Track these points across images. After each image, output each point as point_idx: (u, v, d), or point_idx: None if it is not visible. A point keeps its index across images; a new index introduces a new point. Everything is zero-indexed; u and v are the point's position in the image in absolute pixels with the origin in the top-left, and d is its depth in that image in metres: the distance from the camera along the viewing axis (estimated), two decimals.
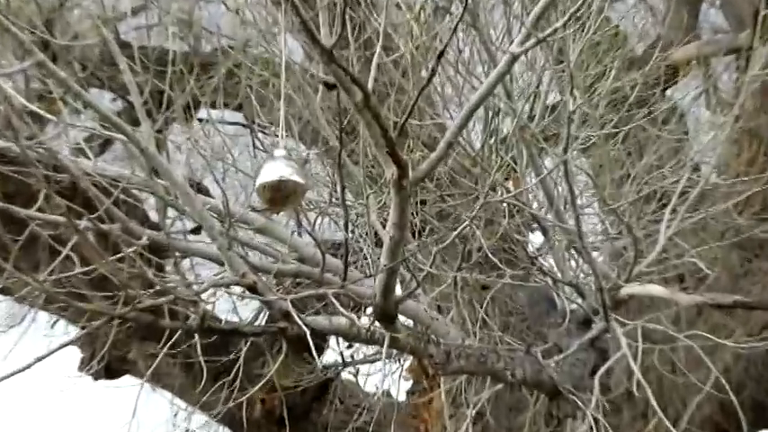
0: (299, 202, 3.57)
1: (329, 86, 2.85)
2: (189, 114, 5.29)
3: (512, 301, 5.88)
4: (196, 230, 3.35)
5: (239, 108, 7.17)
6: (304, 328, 3.11)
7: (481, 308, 5.15)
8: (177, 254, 3.91)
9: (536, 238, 5.62)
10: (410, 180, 3.04)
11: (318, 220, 5.20)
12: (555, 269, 4.80)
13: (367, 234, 4.90)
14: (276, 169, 3.18)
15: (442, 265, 5.15)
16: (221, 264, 4.82)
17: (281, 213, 5.33)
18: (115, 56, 3.49)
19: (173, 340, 4.90)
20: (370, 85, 2.97)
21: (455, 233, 3.45)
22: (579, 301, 4.46)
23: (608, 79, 4.72)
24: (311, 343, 3.14)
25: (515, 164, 4.90)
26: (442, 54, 2.61)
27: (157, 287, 3.49)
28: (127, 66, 3.45)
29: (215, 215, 4.15)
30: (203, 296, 3.62)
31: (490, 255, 4.23)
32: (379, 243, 4.29)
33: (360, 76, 2.80)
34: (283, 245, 5.25)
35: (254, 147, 7.14)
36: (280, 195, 3.18)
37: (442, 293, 5.24)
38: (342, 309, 3.43)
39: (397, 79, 4.71)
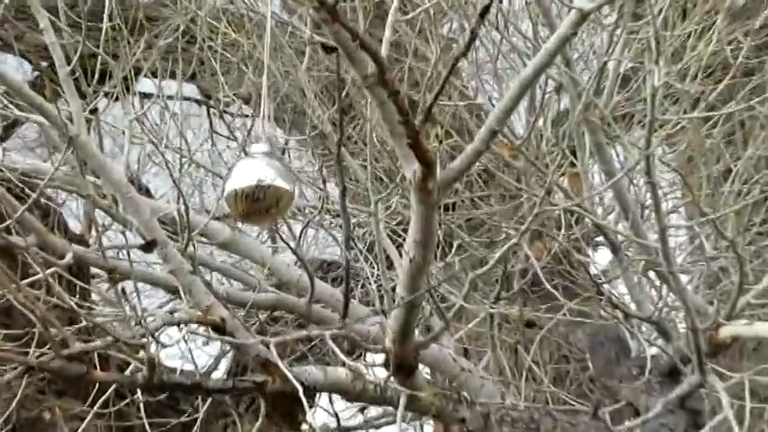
0: (282, 216, 3.56)
1: (329, 50, 2.86)
2: (129, 86, 5.30)
3: (568, 343, 5.88)
4: (147, 248, 3.35)
5: (192, 78, 7.18)
6: (296, 383, 3.11)
7: (528, 353, 5.15)
8: (117, 276, 3.90)
9: (602, 258, 5.64)
10: (438, 182, 3.05)
11: (303, 233, 5.18)
12: (628, 300, 4.80)
13: (371, 251, 4.90)
14: (253, 171, 3.17)
15: (471, 293, 5.15)
16: (171, 291, 4.84)
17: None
18: (32, 7, 3.49)
19: (105, 396, 4.89)
20: (384, 52, 2.98)
21: (498, 255, 3.45)
22: (662, 344, 4.46)
23: (702, 41, 4.71)
24: (304, 403, 3.14)
25: (575, 156, 4.91)
26: (486, 11, 2.62)
27: (85, 323, 3.48)
28: (48, 22, 3.45)
29: (165, 225, 4.16)
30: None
31: (544, 280, 4.22)
32: (391, 265, 4.30)
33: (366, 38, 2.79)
34: (256, 265, 5.26)
35: (213, 131, 7.16)
36: (257, 207, 3.16)
37: (471, 332, 5.25)
38: (342, 356, 3.42)
39: (412, 42, 4.72)
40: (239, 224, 5.03)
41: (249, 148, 3.31)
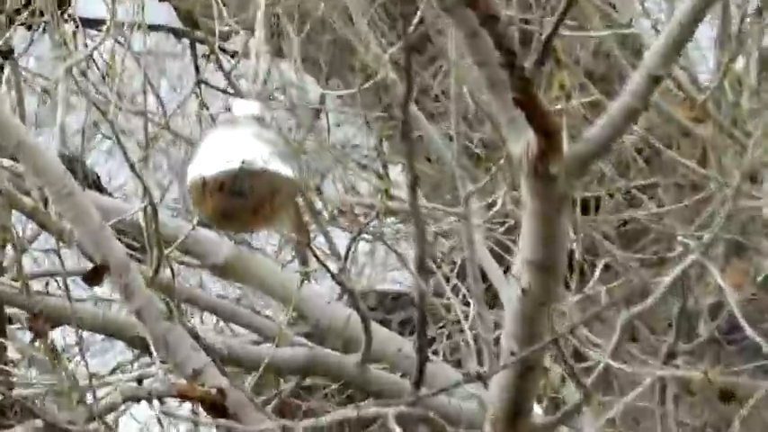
0: (283, 220, 3.59)
1: None
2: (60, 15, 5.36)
3: None
4: (93, 278, 3.39)
5: None
6: None
7: None
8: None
9: None
10: (566, 163, 3.04)
11: (353, 248, 5.20)
12: None
13: (463, 278, 4.92)
14: (233, 147, 3.19)
15: (625, 344, 5.16)
16: (138, 345, 4.89)
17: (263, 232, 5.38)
18: None
19: None
20: None
21: (667, 281, 3.43)
22: None
23: None
24: None
25: None
26: None
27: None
28: None
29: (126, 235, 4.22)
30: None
31: (745, 324, 4.22)
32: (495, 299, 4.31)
33: None
34: (275, 301, 5.30)
35: (199, 80, 7.21)
36: (239, 204, 3.17)
37: (629, 407, 5.26)
38: None
39: None
40: (243, 233, 5.06)
41: (229, 106, 3.34)
